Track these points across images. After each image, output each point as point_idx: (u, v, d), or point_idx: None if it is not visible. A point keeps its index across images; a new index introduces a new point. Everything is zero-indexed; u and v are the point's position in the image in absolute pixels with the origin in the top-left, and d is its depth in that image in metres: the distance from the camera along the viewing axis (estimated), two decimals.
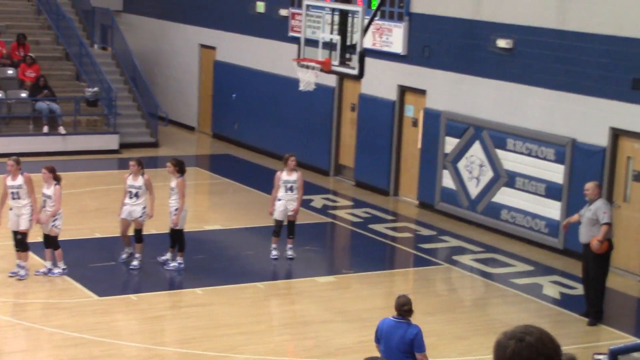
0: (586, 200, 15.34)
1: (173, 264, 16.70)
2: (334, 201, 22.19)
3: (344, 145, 23.96)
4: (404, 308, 10.36)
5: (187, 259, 16.94)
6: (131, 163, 16.67)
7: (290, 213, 17.30)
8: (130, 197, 16.48)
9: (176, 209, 16.47)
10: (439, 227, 20.15)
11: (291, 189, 17.23)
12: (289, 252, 17.58)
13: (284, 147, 24.97)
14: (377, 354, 10.38)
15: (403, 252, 18.97)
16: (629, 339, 14.27)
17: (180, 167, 16.57)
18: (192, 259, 17.37)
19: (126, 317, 14.84)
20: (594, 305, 15.11)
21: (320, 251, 18.86)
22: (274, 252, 17.52)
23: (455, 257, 18.29)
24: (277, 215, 17.28)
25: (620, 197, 17.68)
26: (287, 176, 17.26)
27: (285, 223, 17.34)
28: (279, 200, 17.22)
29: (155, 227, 18.11)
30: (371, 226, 20.03)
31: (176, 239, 16.71)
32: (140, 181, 16.50)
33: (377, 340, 10.51)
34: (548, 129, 18.64)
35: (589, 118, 17.93)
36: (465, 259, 18.18)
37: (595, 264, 15.04)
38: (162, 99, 29.08)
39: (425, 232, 19.92)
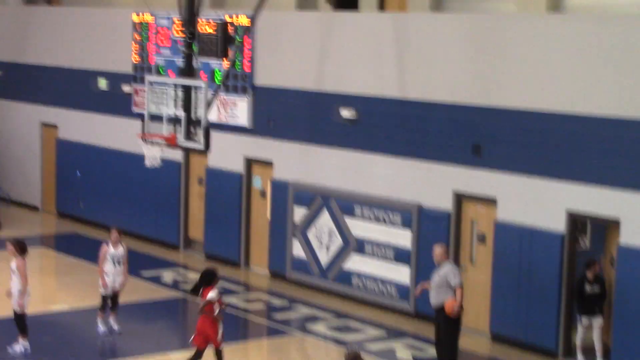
0: (435, 264, 15.66)
1: (18, 348, 16.15)
2: (185, 275, 21.95)
3: (192, 218, 23.82)
4: None
5: (34, 342, 16.42)
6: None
7: (117, 286, 17.21)
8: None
9: (19, 291, 15.98)
10: (291, 296, 20.17)
11: (118, 262, 17.15)
12: (116, 326, 17.40)
13: (132, 223, 24.67)
14: None
15: (256, 323, 18.88)
16: None
17: (20, 248, 16.13)
18: (39, 341, 16.85)
19: None
20: None
21: (173, 326, 18.56)
22: (103, 328, 17.32)
23: (308, 326, 18.30)
24: (104, 291, 17.18)
25: (467, 259, 18.10)
26: (113, 249, 17.18)
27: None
28: (106, 275, 17.12)
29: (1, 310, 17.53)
30: (223, 299, 19.84)
31: (18, 322, 16.14)
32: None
33: None
34: (394, 195, 18.99)
35: (433, 183, 18.36)
36: (319, 327, 18.21)
37: (447, 325, 15.30)
38: (3, 179, 28.36)
39: (278, 301, 19.90)
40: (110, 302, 17.38)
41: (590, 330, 16.21)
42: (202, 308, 14.81)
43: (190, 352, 15.16)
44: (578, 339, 16.36)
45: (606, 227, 16.96)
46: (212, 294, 14.79)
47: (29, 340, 16.22)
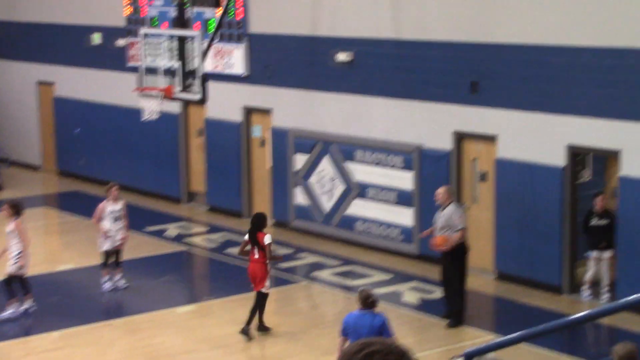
0: (438, 205, 15.59)
1: (16, 310, 16.05)
2: (189, 228, 21.94)
3: (194, 171, 23.75)
4: (368, 300, 11.29)
5: (41, 301, 16.45)
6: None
7: (118, 242, 17.18)
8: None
9: (19, 253, 15.88)
10: (295, 244, 20.15)
11: (118, 218, 17.09)
12: (122, 282, 17.43)
13: (134, 179, 24.63)
14: None
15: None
16: (489, 337, 14.53)
17: (16, 209, 16.00)
18: (46, 301, 16.89)
19: None
20: (454, 307, 15.32)
21: (179, 280, 18.59)
22: (108, 284, 17.33)
23: (314, 274, 18.30)
24: (107, 246, 17.11)
25: (469, 198, 18.04)
26: (111, 206, 17.09)
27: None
28: (108, 232, 17.12)
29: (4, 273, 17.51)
30: (228, 250, 19.88)
31: (21, 284, 16.06)
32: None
33: (345, 333, 11.30)
34: (394, 137, 18.88)
35: (432, 124, 18.24)
36: (325, 274, 18.21)
37: (453, 267, 15.27)
38: (2, 140, 28.28)
39: (283, 250, 19.88)
40: (115, 258, 17.35)
41: (599, 263, 16.16)
42: (270, 254, 15.02)
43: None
44: (587, 273, 16.28)
45: (606, 159, 16.86)
46: (268, 238, 15.00)
47: (33, 299, 16.22)
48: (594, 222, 16.07)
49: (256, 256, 15.01)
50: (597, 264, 16.15)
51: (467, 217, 17.56)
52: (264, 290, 14.98)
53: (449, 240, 15.11)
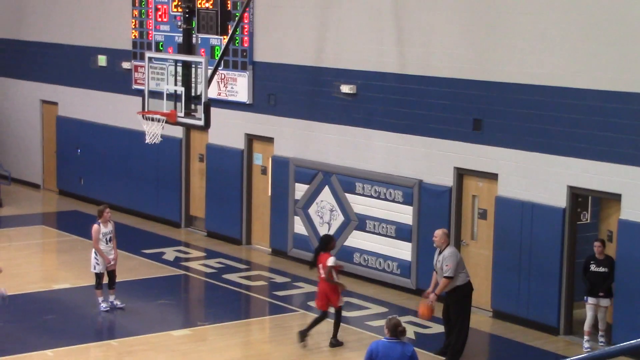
0: (435, 247, 15.59)
1: None
2: (187, 253, 21.95)
3: (194, 196, 23.78)
4: (398, 329, 11.34)
5: (36, 320, 16.43)
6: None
7: (112, 263, 17.33)
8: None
9: None
10: (292, 273, 20.15)
11: (110, 239, 17.31)
12: (118, 302, 17.51)
13: (133, 201, 24.66)
14: None
15: (258, 300, 18.87)
16: None
17: None
18: (41, 319, 16.89)
19: None
20: (455, 344, 15.25)
21: (175, 304, 18.57)
22: (104, 305, 17.38)
23: (310, 303, 18.27)
24: (101, 268, 17.24)
25: (468, 235, 18.06)
26: (104, 228, 17.32)
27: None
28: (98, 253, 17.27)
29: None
30: (225, 276, 19.88)
31: None
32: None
33: None
34: (395, 171, 18.93)
35: (433, 159, 18.30)
36: None
37: (457, 306, 15.24)
38: (4, 157, 28.32)
39: (280, 279, 19.89)
40: (108, 279, 17.40)
41: (597, 310, 15.90)
42: (327, 276, 15.66)
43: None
44: (585, 322, 15.92)
45: (602, 203, 16.83)
46: (331, 260, 15.67)
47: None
48: (593, 268, 15.94)
49: (322, 275, 15.78)
50: (593, 310, 15.91)
51: (466, 253, 17.59)
52: (341, 304, 15.86)
53: (437, 293, 15.15)
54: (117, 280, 17.58)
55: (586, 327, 15.92)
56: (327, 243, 15.99)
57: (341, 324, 16.16)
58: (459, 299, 15.23)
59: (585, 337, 15.90)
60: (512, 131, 17.03)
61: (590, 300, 15.85)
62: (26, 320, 17.02)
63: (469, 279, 15.38)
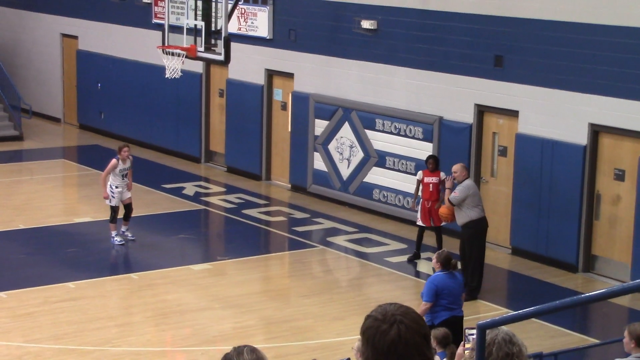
0: (455, 182, 15.59)
1: None
2: (206, 188, 22.03)
3: (213, 131, 23.79)
4: (452, 262, 12.03)
5: (58, 252, 16.60)
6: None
7: (127, 197, 17.54)
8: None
9: None
10: (312, 209, 20.21)
11: (126, 175, 17.51)
12: (129, 234, 17.73)
13: (153, 136, 24.72)
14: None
15: (277, 236, 18.97)
16: (502, 311, 14.58)
17: None
18: (63, 252, 17.05)
19: None
20: (471, 281, 15.33)
21: (195, 238, 18.70)
22: (118, 239, 17.53)
23: (329, 239, 18.37)
24: (116, 201, 17.41)
25: (488, 172, 18.03)
26: (122, 164, 17.50)
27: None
28: (117, 187, 17.36)
29: (24, 222, 17.69)
30: (244, 211, 19.96)
31: None
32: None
33: (435, 297, 11.84)
34: (415, 107, 18.86)
35: (454, 96, 18.21)
36: (340, 240, 18.28)
37: (472, 242, 15.28)
38: (25, 91, 28.36)
39: (299, 215, 19.95)
40: (124, 212, 17.54)
41: None
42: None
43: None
44: None
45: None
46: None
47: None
48: None
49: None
50: None
51: (485, 191, 17.58)
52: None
53: (447, 210, 15.48)
54: (137, 215, 17.68)
55: None
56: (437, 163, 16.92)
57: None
58: (473, 235, 15.26)
59: None
60: (533, 68, 16.91)
61: None
62: (48, 253, 17.20)
63: (484, 214, 15.39)
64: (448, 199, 15.35)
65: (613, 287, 5.75)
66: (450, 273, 12.02)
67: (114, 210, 17.44)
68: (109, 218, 17.53)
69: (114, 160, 17.42)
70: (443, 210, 15.72)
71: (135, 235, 17.69)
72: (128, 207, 17.58)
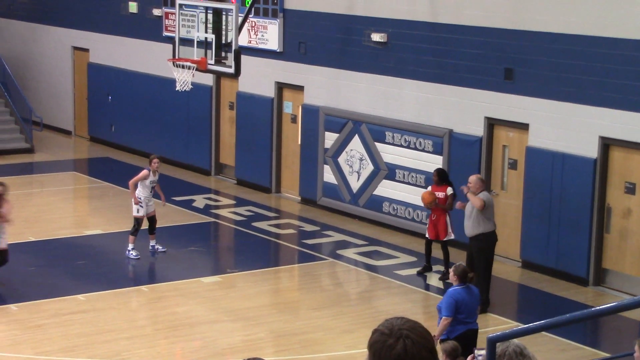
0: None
1: None
2: (216, 200, 22.06)
3: (224, 143, 23.83)
4: (469, 276, 12.14)
5: (68, 265, 16.62)
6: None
7: (152, 210, 17.57)
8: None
9: None
10: (322, 222, 20.21)
11: (153, 188, 17.54)
12: (159, 247, 17.80)
13: (163, 148, 24.75)
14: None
15: (287, 248, 18.97)
16: (512, 325, 14.55)
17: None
18: (73, 264, 17.08)
19: (6, 328, 14.45)
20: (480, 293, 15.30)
21: (204, 251, 18.71)
22: (134, 252, 17.49)
23: (339, 252, 18.36)
24: (143, 212, 17.45)
25: (498, 185, 18.02)
26: (152, 176, 17.52)
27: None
28: (145, 198, 17.42)
29: (34, 234, 17.71)
30: (254, 224, 19.97)
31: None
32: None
33: (455, 311, 11.81)
34: (425, 120, 18.87)
35: (464, 109, 18.22)
36: (349, 253, 18.27)
37: (480, 254, 15.23)
38: (36, 103, 28.46)
39: (309, 227, 19.96)
40: (149, 224, 17.57)
41: None
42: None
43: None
44: None
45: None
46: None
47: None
48: None
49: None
50: None
51: (496, 204, 17.54)
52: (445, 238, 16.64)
53: (440, 199, 16.10)
54: (147, 227, 17.70)
55: None
56: (445, 176, 16.86)
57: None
58: (482, 248, 15.20)
59: None
60: (544, 81, 16.91)
61: None
62: (58, 265, 17.23)
63: (494, 228, 15.33)
64: (480, 199, 15.06)
65: (624, 301, 5.74)
66: (467, 287, 12.03)
67: (138, 222, 17.40)
68: (130, 230, 17.49)
69: (145, 171, 17.46)
70: (425, 194, 16.19)
71: (141, 249, 17.67)
72: (152, 220, 17.60)
